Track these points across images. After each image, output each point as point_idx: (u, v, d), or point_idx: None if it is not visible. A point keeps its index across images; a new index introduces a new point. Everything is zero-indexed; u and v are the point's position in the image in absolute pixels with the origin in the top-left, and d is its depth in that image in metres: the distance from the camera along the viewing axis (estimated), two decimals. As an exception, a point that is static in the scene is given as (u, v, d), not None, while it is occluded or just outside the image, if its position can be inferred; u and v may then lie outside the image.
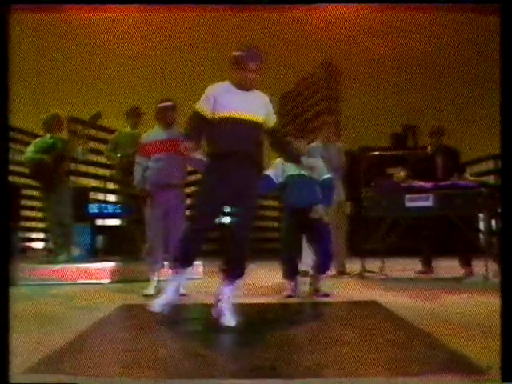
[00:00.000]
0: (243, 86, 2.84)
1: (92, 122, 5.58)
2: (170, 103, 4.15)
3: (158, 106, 4.15)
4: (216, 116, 2.80)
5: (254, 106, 2.87)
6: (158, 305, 2.86)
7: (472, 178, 5.25)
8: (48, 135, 5.52)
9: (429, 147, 5.56)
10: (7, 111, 1.78)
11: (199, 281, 5.18)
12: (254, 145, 2.89)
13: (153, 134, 4.18)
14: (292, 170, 3.85)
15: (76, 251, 5.93)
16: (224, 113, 2.79)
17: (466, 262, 5.18)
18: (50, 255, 5.89)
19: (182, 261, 2.93)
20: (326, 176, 3.97)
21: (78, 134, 5.69)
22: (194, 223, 2.89)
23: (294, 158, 3.45)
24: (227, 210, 3.08)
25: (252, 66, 2.79)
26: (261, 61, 2.82)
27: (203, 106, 2.84)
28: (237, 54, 2.82)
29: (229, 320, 2.61)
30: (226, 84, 2.88)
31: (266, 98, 2.97)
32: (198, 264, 5.42)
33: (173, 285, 2.94)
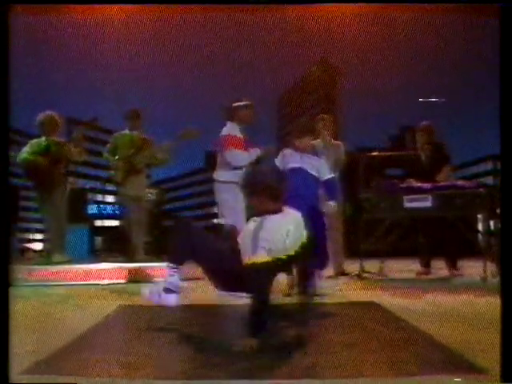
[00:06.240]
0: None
1: (88, 125, 5.56)
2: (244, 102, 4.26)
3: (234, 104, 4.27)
4: None
5: None
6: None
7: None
8: (43, 138, 5.47)
9: (423, 146, 5.59)
10: (7, 112, 1.78)
11: (199, 283, 5.16)
12: None
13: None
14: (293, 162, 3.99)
15: (69, 253, 5.91)
16: None
17: (454, 264, 5.25)
18: (46, 256, 5.85)
19: None
20: (329, 176, 4.06)
21: (73, 137, 5.66)
22: None
23: None
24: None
25: None
26: None
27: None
28: None
29: None
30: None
31: None
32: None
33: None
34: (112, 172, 5.65)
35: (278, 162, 4.08)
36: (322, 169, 4.04)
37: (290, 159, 4.03)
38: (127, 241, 5.64)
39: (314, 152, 4.21)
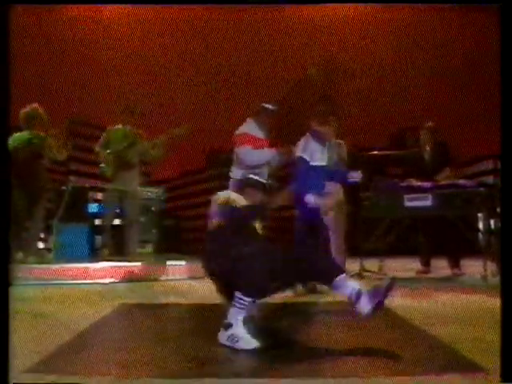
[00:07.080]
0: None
1: (71, 121, 5.52)
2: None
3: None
4: None
5: None
6: None
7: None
8: (26, 131, 5.25)
9: (425, 145, 5.59)
10: (7, 112, 1.78)
11: (197, 282, 5.17)
12: None
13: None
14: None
15: (45, 252, 5.83)
16: None
17: (456, 263, 5.25)
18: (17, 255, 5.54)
19: None
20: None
21: (54, 134, 5.42)
22: None
23: None
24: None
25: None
26: None
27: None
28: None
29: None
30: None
31: None
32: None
33: None
34: (103, 166, 5.53)
35: (300, 150, 3.88)
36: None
37: (315, 154, 3.86)
38: (122, 239, 5.60)
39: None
